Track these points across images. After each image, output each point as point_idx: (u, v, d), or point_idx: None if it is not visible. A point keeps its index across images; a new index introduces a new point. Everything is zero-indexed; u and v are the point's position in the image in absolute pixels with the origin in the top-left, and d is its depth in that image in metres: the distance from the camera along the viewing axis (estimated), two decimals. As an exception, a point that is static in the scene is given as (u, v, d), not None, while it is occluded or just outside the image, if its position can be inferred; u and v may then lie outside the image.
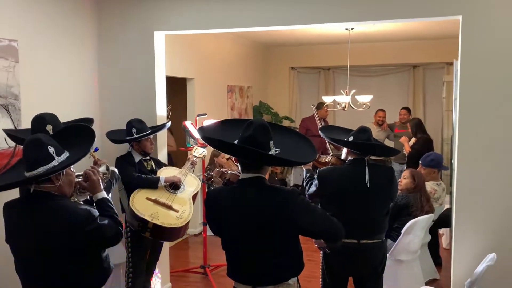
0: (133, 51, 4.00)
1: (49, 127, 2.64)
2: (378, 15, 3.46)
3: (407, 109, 6.90)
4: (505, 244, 3.24)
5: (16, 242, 2.10)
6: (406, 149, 6.04)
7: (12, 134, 2.90)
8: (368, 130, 2.93)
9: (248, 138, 2.00)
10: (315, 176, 3.02)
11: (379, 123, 7.00)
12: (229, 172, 3.04)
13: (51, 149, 2.05)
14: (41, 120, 2.68)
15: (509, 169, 3.24)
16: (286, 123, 8.40)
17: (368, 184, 2.83)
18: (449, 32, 6.71)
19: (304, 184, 3.14)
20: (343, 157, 3.12)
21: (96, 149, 2.76)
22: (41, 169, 2.00)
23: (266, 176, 2.13)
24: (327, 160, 3.26)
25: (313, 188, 2.99)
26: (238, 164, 2.14)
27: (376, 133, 6.95)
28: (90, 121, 3.12)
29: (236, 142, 2.05)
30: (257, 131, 2.01)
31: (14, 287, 2.61)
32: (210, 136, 2.12)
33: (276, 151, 2.05)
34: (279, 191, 2.04)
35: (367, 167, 2.87)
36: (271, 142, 2.04)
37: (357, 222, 2.85)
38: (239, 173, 2.17)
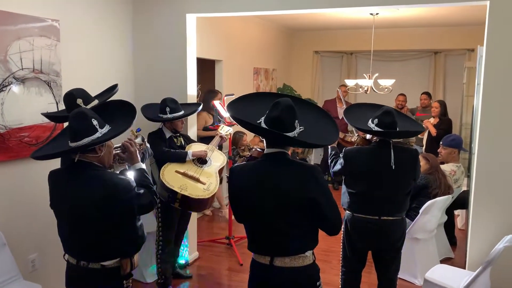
0: (166, 32, 3.98)
1: (79, 101, 2.66)
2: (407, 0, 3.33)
3: (428, 94, 6.73)
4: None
5: (59, 207, 2.14)
6: (432, 132, 5.90)
7: (51, 115, 2.93)
8: (392, 112, 2.81)
9: (274, 119, 1.97)
10: (341, 155, 2.97)
11: (399, 107, 6.85)
12: (254, 149, 3.01)
13: (95, 122, 2.08)
14: (71, 96, 2.69)
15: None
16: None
17: (394, 167, 2.77)
18: (472, 18, 6.45)
19: (329, 161, 3.10)
20: (368, 137, 3.04)
21: (139, 129, 2.79)
22: (85, 140, 2.03)
23: (289, 153, 2.11)
24: (353, 140, 3.18)
25: (338, 167, 2.95)
26: (263, 139, 2.12)
27: None
28: (113, 87, 3.07)
29: (262, 120, 2.03)
30: (284, 113, 1.97)
31: (56, 249, 2.68)
32: (239, 116, 2.08)
33: (300, 129, 2.02)
34: (303, 166, 2.02)
35: (392, 150, 2.80)
36: (296, 121, 2.01)
37: (379, 200, 2.81)
38: (262, 149, 2.15)
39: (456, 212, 5.24)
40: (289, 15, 6.07)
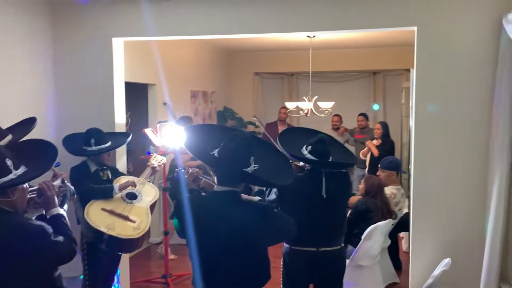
0: (91, 57, 3.89)
1: None
2: (337, 25, 3.50)
3: (364, 115, 7.04)
4: (459, 249, 3.31)
5: None
6: (375, 152, 6.11)
7: None
8: (326, 140, 2.90)
9: (230, 151, 2.02)
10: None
11: (334, 128, 7.11)
12: (203, 179, 3.00)
13: (9, 162, 1.95)
14: None
15: (462, 175, 3.32)
16: (250, 128, 8.38)
17: (325, 195, 2.84)
18: (408, 40, 6.85)
19: (265, 189, 3.13)
20: (301, 163, 3.10)
21: (58, 164, 2.66)
22: None
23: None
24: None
25: (273, 196, 2.99)
26: (214, 173, 2.17)
27: None
28: (32, 120, 2.94)
29: (216, 151, 2.06)
30: (240, 146, 2.03)
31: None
32: (193, 144, 2.12)
33: (254, 167, 2.07)
34: (253, 207, 2.10)
35: (324, 178, 2.86)
36: (252, 157, 2.07)
37: (315, 230, 2.85)
38: (214, 183, 2.20)
39: (401, 234, 5.42)
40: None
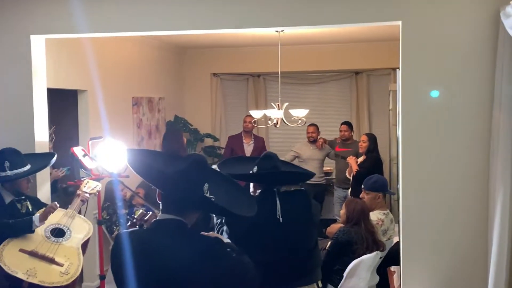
0: (3, 59, 3.84)
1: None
2: (311, 20, 3.59)
3: (349, 124, 7.17)
4: (460, 285, 3.40)
5: None
6: (353, 169, 6.21)
7: None
8: (273, 157, 3.10)
9: (181, 172, 2.09)
10: (223, 221, 3.10)
11: (310, 140, 7.22)
12: (150, 213, 3.12)
13: None
14: None
15: (460, 195, 3.42)
16: (208, 141, 8.38)
17: (281, 219, 2.95)
18: (396, 33, 7.03)
19: (216, 232, 3.20)
20: (251, 191, 3.24)
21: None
22: None
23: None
24: None
25: (224, 236, 3.03)
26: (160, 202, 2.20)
27: (311, 152, 7.15)
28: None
29: (165, 170, 2.14)
30: (192, 167, 2.11)
31: None
32: (139, 160, 2.21)
33: (210, 197, 2.14)
34: (200, 242, 2.12)
35: (277, 198, 2.99)
36: (206, 185, 2.14)
37: (281, 267, 2.92)
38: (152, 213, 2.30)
39: (392, 268, 5.51)
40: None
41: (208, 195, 2.14)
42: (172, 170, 2.13)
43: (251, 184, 3.29)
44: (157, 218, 2.18)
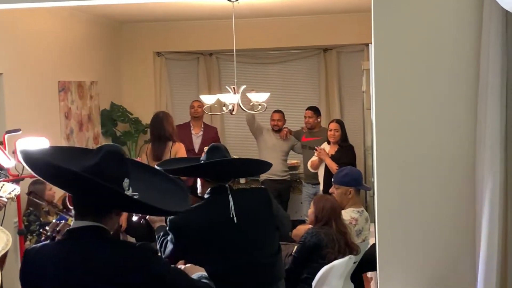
0: None
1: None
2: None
3: (314, 109, 7.23)
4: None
5: None
6: (333, 168, 6.17)
7: None
8: (221, 147, 3.21)
9: (92, 167, 2.04)
10: (168, 229, 3.13)
11: (275, 129, 7.26)
12: (63, 222, 3.14)
13: None
14: None
15: (443, 187, 3.47)
16: (152, 133, 8.30)
17: (235, 219, 3.01)
18: (367, 3, 7.10)
19: (158, 247, 3.23)
20: (199, 192, 3.31)
21: None
22: None
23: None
24: None
25: (170, 247, 3.09)
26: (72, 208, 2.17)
27: (275, 142, 7.17)
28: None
29: (75, 168, 2.07)
30: (106, 160, 2.07)
31: None
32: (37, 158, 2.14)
33: (133, 195, 2.11)
34: (126, 249, 2.11)
35: (230, 195, 3.04)
36: (127, 180, 2.10)
37: (238, 275, 2.97)
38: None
39: (369, 274, 5.59)
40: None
41: (129, 192, 2.12)
42: (81, 166, 2.08)
43: (198, 184, 3.32)
44: (71, 227, 2.16)
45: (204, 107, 6.66)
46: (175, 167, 3.31)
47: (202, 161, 3.20)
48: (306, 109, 7.20)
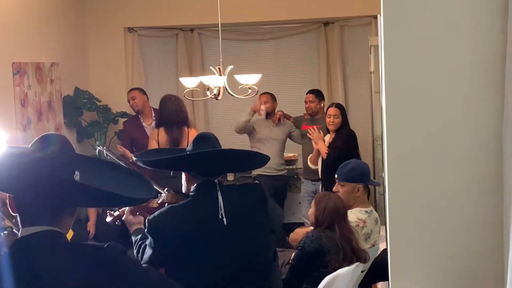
0: None
1: None
2: None
3: (316, 92, 7.24)
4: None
5: None
6: (323, 152, 6.23)
7: None
8: (211, 137, 3.25)
9: (36, 162, 2.06)
10: (146, 231, 3.13)
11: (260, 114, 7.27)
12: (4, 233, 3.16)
13: None
14: None
15: (462, 182, 3.47)
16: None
17: (225, 220, 3.03)
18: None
19: (135, 253, 3.26)
20: (183, 189, 3.34)
21: None
22: None
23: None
24: (159, 201, 3.51)
25: (149, 252, 3.07)
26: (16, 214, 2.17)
27: (267, 132, 7.18)
28: None
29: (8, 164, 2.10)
30: (52, 151, 2.12)
31: None
32: None
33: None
34: (90, 252, 2.15)
35: (219, 193, 3.05)
36: (77, 173, 2.14)
37: (228, 285, 2.99)
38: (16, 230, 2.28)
39: (379, 285, 5.61)
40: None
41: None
42: (22, 161, 2.08)
43: (183, 179, 3.33)
44: (18, 236, 2.14)
45: (185, 92, 6.61)
46: (154, 158, 3.32)
47: (188, 152, 3.20)
48: (307, 93, 7.20)
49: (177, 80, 7.45)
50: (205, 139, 3.23)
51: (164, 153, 3.49)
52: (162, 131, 6.54)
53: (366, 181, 4.82)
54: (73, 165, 2.16)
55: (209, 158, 3.16)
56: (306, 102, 7.14)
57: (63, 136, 2.26)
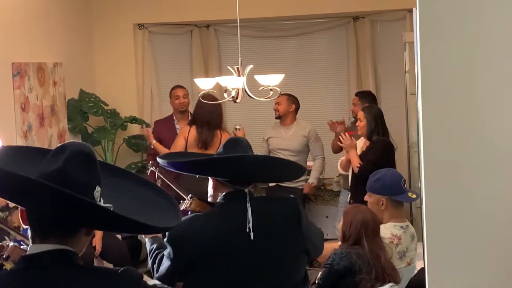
0: None
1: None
2: None
3: (365, 94, 7.32)
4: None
5: None
6: (354, 165, 6.21)
7: None
8: (243, 142, 3.25)
9: (54, 173, 2.03)
10: (166, 241, 3.12)
11: (276, 117, 7.37)
12: (10, 245, 3.14)
13: None
14: None
15: (505, 200, 3.44)
16: (133, 129, 8.32)
17: (252, 235, 3.02)
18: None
19: (150, 263, 3.25)
20: (210, 198, 3.32)
21: None
22: None
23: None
24: (182, 208, 3.43)
25: (166, 263, 3.07)
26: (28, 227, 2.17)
27: (279, 140, 7.27)
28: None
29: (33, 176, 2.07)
30: (71, 163, 2.06)
31: None
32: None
33: (108, 207, 2.12)
34: (104, 278, 2.13)
35: (248, 204, 3.03)
36: (98, 189, 2.10)
37: None
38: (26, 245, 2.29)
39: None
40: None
41: (101, 203, 2.11)
42: (40, 172, 2.07)
43: (210, 186, 3.32)
44: (27, 253, 2.14)
45: (201, 94, 6.62)
46: (181, 160, 3.33)
47: (218, 156, 3.22)
48: (357, 94, 7.36)
49: (192, 82, 7.46)
50: (238, 143, 3.24)
51: (191, 156, 3.49)
52: (193, 129, 6.69)
53: (389, 194, 4.68)
54: (94, 180, 2.11)
55: (242, 164, 3.16)
56: (353, 103, 7.27)
57: (86, 145, 2.20)
